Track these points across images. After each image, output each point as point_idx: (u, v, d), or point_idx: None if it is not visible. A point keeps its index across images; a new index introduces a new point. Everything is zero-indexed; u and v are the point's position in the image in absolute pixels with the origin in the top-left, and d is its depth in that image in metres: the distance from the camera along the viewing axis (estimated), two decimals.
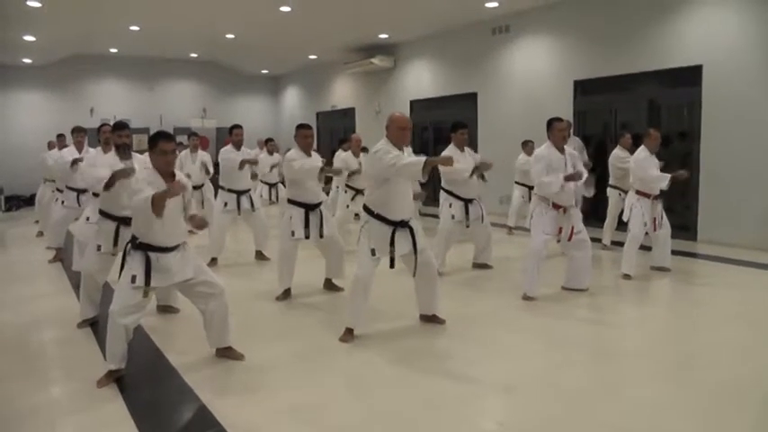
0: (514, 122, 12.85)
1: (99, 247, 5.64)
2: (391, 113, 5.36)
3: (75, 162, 8.42)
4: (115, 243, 5.62)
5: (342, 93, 19.30)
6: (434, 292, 5.68)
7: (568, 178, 6.44)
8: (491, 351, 5.03)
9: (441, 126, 15.17)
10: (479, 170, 7.55)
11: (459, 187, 7.55)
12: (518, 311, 6.22)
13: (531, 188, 9.53)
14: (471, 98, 14.29)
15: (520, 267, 7.11)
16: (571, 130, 10.69)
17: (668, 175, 7.29)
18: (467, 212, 7.57)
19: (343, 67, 17.63)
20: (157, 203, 4.18)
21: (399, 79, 16.64)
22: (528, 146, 10.54)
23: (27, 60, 17.74)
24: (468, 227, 7.66)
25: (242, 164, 8.40)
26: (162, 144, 4.41)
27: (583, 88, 11.82)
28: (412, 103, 16.22)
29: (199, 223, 4.57)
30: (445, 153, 7.45)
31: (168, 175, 4.46)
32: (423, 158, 4.89)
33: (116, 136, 5.77)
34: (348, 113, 18.99)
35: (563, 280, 6.95)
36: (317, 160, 6.63)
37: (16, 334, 5.80)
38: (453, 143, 7.57)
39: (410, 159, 5.01)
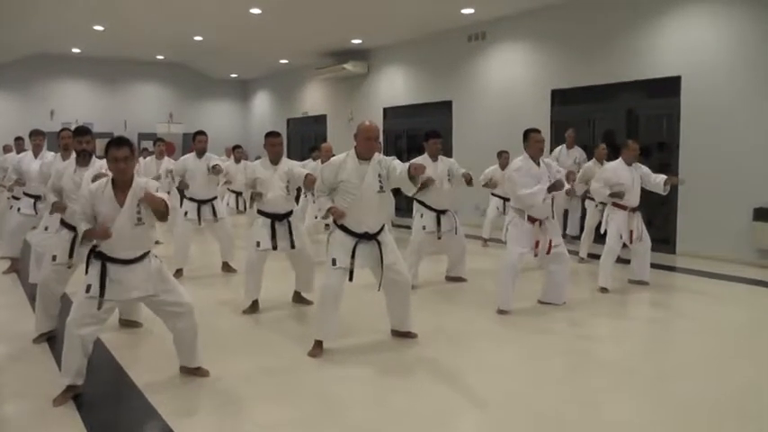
0: (490, 132, 12.91)
1: (54, 258, 5.55)
2: (360, 122, 5.40)
3: (17, 182, 8.46)
4: (70, 254, 5.53)
5: (313, 99, 19.29)
6: (407, 308, 5.67)
7: (552, 188, 6.48)
8: (464, 366, 5.02)
9: (415, 134, 15.22)
10: (454, 179, 7.50)
11: (430, 197, 7.52)
12: (492, 326, 6.23)
13: (506, 200, 9.57)
14: (446, 106, 14.36)
15: (495, 280, 7.11)
16: (559, 141, 10.79)
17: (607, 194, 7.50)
18: (439, 224, 7.56)
19: (315, 73, 17.63)
20: (84, 242, 4.42)
21: (372, 86, 16.67)
22: (503, 156, 10.50)
23: None
24: (439, 238, 7.65)
25: (181, 184, 8.40)
26: (112, 151, 4.28)
27: (560, 98, 11.94)
28: (385, 110, 16.27)
29: (148, 199, 4.25)
30: (417, 161, 7.43)
31: (123, 184, 4.35)
32: (327, 206, 5.27)
33: (76, 142, 5.68)
34: (319, 120, 18.97)
35: (539, 293, 6.98)
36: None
37: None
38: (426, 152, 7.58)
39: (321, 201, 5.35)
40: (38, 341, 5.67)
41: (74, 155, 5.80)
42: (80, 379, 4.37)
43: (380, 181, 5.25)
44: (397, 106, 15.93)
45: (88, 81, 19.44)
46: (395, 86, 15.95)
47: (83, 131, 5.74)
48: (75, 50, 17.85)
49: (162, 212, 4.30)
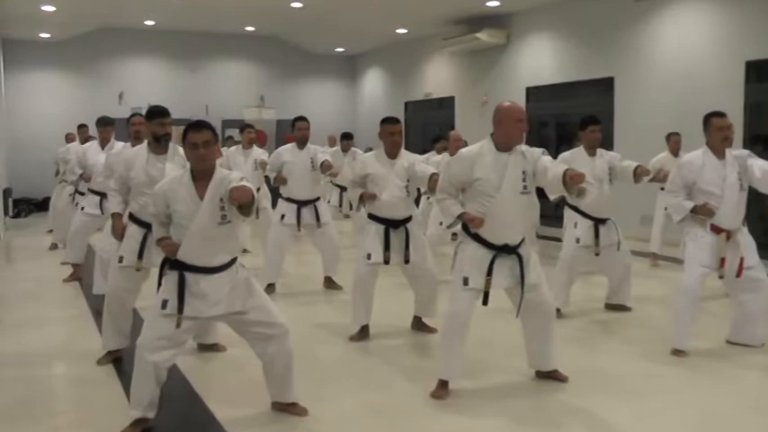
0: (663, 117, 12.51)
1: (121, 259, 5.76)
2: (499, 104, 5.33)
3: (81, 177, 9.04)
4: (140, 255, 5.72)
5: (438, 77, 19.41)
6: (549, 341, 5.57)
7: (696, 210, 6.26)
8: (625, 420, 4.92)
9: (565, 121, 15.12)
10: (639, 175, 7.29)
11: (586, 202, 7.35)
12: (664, 369, 6.04)
13: None
14: (606, 85, 14.18)
15: (669, 311, 6.93)
16: None
17: None
18: (596, 235, 7.43)
19: (441, 45, 17.70)
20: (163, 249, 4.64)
21: (513, 60, 16.61)
22: (672, 139, 10.16)
23: (44, 35, 18.44)
24: (597, 254, 7.51)
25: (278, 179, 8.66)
26: (190, 135, 4.45)
27: (758, 72, 11.53)
28: (529, 90, 16.15)
29: (237, 195, 4.27)
30: (569, 156, 7.38)
31: (203, 174, 4.49)
32: (458, 211, 5.20)
33: (157, 124, 5.89)
34: (445, 104, 19.09)
35: (728, 331, 6.73)
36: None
37: (19, 369, 5.98)
38: (583, 144, 7.48)
39: (446, 204, 5.29)
40: (103, 362, 5.93)
41: (144, 143, 6.02)
42: (152, 411, 4.53)
43: (525, 179, 5.17)
44: (544, 85, 15.81)
45: (163, 59, 20.22)
46: (541, 61, 15.83)
47: (161, 112, 5.97)
48: (149, 23, 18.53)
49: (248, 207, 4.39)
